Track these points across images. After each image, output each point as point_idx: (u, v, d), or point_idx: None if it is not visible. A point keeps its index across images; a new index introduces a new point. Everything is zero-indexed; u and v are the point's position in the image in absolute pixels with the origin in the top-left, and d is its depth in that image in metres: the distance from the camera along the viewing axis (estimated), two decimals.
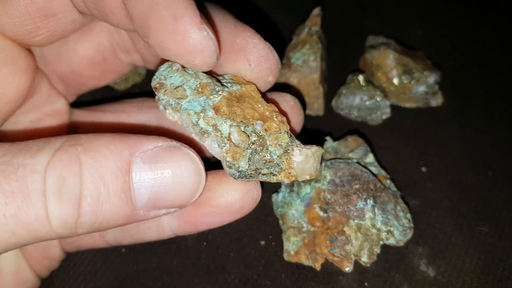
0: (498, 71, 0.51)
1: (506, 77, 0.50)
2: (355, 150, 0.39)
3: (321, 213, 0.38)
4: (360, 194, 0.37)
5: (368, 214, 0.37)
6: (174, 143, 0.26)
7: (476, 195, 0.43)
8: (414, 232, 0.40)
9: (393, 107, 0.46)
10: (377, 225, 0.37)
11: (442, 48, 0.53)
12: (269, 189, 0.42)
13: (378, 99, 0.43)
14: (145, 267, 0.38)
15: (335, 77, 0.50)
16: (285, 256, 0.39)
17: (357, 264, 0.39)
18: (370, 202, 0.37)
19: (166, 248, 0.39)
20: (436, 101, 0.46)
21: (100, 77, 0.38)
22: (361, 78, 0.43)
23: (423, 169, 0.44)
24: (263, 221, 0.41)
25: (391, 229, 0.38)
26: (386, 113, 0.44)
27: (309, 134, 0.44)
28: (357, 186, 0.37)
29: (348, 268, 0.37)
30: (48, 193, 0.23)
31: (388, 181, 0.40)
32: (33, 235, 0.23)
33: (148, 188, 0.25)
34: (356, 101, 0.43)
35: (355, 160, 0.39)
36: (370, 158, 0.40)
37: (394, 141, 0.45)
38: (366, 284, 0.38)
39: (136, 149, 0.25)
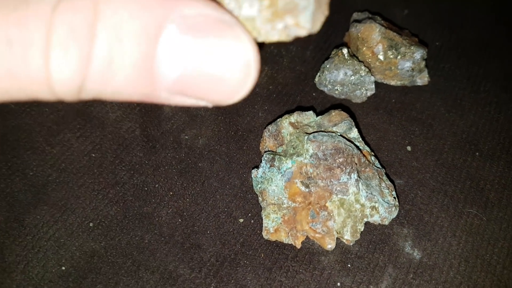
0: (484, 51, 0.47)
1: (493, 57, 0.46)
2: (339, 124, 0.35)
3: (303, 188, 0.33)
4: (343, 168, 0.32)
5: (352, 189, 0.32)
6: (227, 16, 0.17)
7: (463, 176, 0.38)
8: (399, 213, 0.36)
9: (378, 85, 0.42)
10: (361, 200, 0.33)
11: (428, 28, 0.48)
12: (249, 164, 0.38)
13: (363, 74, 0.38)
14: (114, 244, 0.33)
15: (319, 53, 0.45)
16: (264, 234, 0.34)
17: (339, 244, 0.34)
18: (354, 176, 0.32)
19: (137, 224, 0.34)
20: (422, 80, 0.41)
21: None
22: (345, 51, 0.38)
23: (408, 148, 0.39)
24: (242, 198, 0.36)
25: (376, 205, 0.33)
26: (370, 90, 0.40)
27: (291, 111, 0.39)
28: (340, 160, 0.33)
29: (330, 245, 0.32)
30: (52, 46, 0.16)
31: (373, 158, 0.36)
32: (27, 94, 0.16)
33: (180, 67, 0.16)
34: (340, 76, 0.39)
35: (339, 134, 0.34)
36: (354, 132, 0.35)
37: (379, 119, 0.41)
38: (349, 265, 0.33)
39: (173, 10, 0.17)
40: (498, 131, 0.41)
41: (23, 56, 0.16)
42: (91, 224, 0.34)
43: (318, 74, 0.41)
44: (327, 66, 0.39)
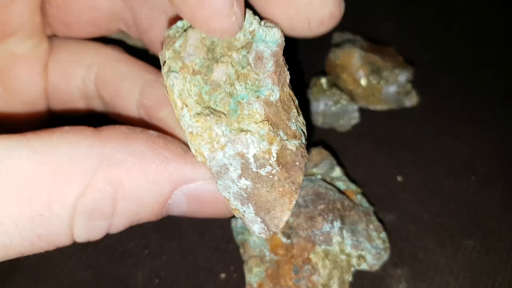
0: (478, 63, 0.43)
1: (485, 72, 0.43)
2: (319, 164, 0.32)
3: (284, 239, 0.31)
4: (325, 216, 0.30)
5: (336, 238, 0.30)
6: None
7: (459, 205, 0.35)
8: (391, 252, 0.33)
9: (363, 111, 0.39)
10: (346, 250, 0.30)
11: (415, 41, 0.45)
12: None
13: (344, 103, 0.35)
14: None
15: (301, 81, 0.42)
16: None
17: None
18: (337, 224, 0.30)
19: (113, 287, 0.32)
20: (410, 101, 0.38)
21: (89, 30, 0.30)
22: (323, 81, 0.35)
23: (399, 178, 0.36)
24: (223, 250, 0.34)
25: (363, 253, 0.30)
26: (354, 118, 0.37)
27: None
28: (322, 207, 0.30)
29: None
30: (76, 221, 0.21)
31: (359, 196, 0.33)
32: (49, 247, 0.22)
33: (183, 210, 0.23)
34: (320, 107, 0.36)
35: (319, 176, 0.32)
36: (337, 172, 0.32)
37: (365, 149, 0.38)
38: None
39: (178, 185, 0.22)
40: (495, 151, 0.37)
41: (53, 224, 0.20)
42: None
43: None
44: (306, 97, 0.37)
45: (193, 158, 0.21)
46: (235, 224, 0.33)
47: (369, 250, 0.30)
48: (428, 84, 0.41)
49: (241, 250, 0.32)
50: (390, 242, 0.33)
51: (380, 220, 0.33)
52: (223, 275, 0.33)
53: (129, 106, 0.28)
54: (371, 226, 0.31)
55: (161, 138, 0.22)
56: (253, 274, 0.31)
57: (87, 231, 0.21)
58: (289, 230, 0.30)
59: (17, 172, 0.18)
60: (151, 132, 0.22)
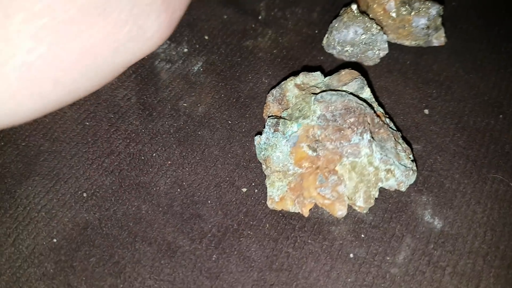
0: (504, 11, 0.42)
1: (511, 17, 0.42)
2: (349, 83, 0.31)
3: (310, 152, 0.29)
4: (355, 128, 0.29)
5: (364, 151, 0.28)
6: None
7: (486, 140, 0.34)
8: (417, 180, 0.32)
9: (391, 46, 0.37)
10: (374, 163, 0.29)
11: None
12: (251, 132, 0.34)
13: (375, 32, 0.34)
14: (109, 215, 0.30)
15: (327, 15, 0.41)
16: (269, 204, 0.30)
17: (352, 213, 0.30)
18: (367, 136, 0.29)
19: (133, 194, 0.31)
20: (439, 40, 0.37)
21: None
22: (354, 7, 0.34)
23: (426, 111, 0.35)
24: (244, 167, 0.32)
25: (392, 168, 0.29)
26: (383, 50, 0.35)
27: (297, 73, 0.35)
28: (351, 120, 0.29)
29: (340, 212, 0.28)
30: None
31: (388, 120, 0.32)
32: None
33: None
34: (350, 35, 0.35)
35: (349, 93, 0.31)
36: (367, 92, 0.31)
37: (393, 82, 0.36)
38: (362, 236, 0.30)
39: None
40: None
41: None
42: (84, 195, 0.31)
43: (326, 35, 0.37)
44: (336, 25, 0.35)
45: None
46: (259, 141, 0.31)
47: (398, 166, 0.29)
48: (455, 28, 0.40)
49: (263, 166, 0.31)
50: (416, 169, 0.32)
51: (409, 145, 0.32)
52: (244, 189, 0.31)
53: None
54: (399, 147, 0.30)
55: None
56: (275, 188, 0.30)
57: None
58: (315, 144, 0.29)
59: None
60: None
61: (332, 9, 0.42)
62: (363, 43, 0.35)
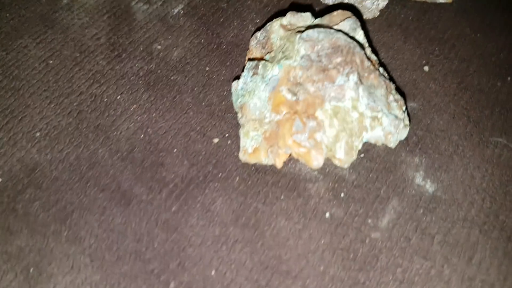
0: None
1: None
2: (339, 24, 0.27)
3: (289, 96, 0.26)
4: (341, 68, 0.25)
5: (349, 93, 0.25)
6: None
7: (491, 101, 0.30)
8: (410, 140, 0.28)
9: (393, 1, 0.34)
10: (359, 108, 0.25)
11: None
12: (231, 81, 0.31)
13: None
14: (61, 157, 0.27)
15: None
16: (241, 155, 0.27)
17: (333, 171, 0.27)
18: (353, 78, 0.25)
19: (90, 137, 0.28)
20: None
21: None
22: None
23: (426, 68, 0.31)
24: (219, 117, 0.29)
25: (379, 115, 0.25)
26: (383, 0, 0.32)
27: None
28: (338, 60, 0.25)
29: (316, 162, 0.25)
30: None
31: (381, 69, 0.28)
32: None
33: None
34: None
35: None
36: (360, 35, 0.27)
37: (392, 36, 0.33)
38: (342, 195, 0.26)
39: None
40: None
41: None
42: (37, 134, 0.28)
43: None
44: None
45: None
46: (236, 87, 0.28)
47: (387, 114, 0.25)
48: None
49: (239, 115, 0.28)
50: (410, 126, 0.28)
51: (403, 96, 0.28)
52: (216, 140, 0.28)
53: None
54: (391, 98, 0.27)
55: None
56: (249, 138, 0.27)
57: None
58: (296, 87, 0.26)
59: None
60: None
61: None
62: None
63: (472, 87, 0.31)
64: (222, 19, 0.34)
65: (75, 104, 0.29)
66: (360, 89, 0.25)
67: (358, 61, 0.25)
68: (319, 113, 0.25)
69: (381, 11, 0.33)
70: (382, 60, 0.31)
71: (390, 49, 0.32)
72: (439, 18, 0.34)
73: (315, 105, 0.25)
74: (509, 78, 0.31)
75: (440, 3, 0.34)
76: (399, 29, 0.33)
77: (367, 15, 0.33)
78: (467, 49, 0.33)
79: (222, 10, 0.34)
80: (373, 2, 0.32)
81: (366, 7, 0.32)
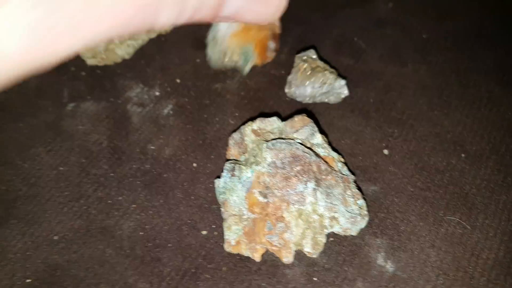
0: (475, 43, 0.42)
1: (485, 49, 0.41)
2: (300, 130, 0.32)
3: (261, 198, 0.30)
4: (300, 177, 0.30)
5: (309, 198, 0.29)
6: None
7: (445, 181, 0.34)
8: (372, 222, 0.32)
9: (357, 84, 0.38)
10: (318, 210, 0.30)
11: (414, 20, 0.44)
12: (215, 174, 0.35)
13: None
14: (76, 257, 0.32)
15: (294, 55, 0.42)
16: (226, 247, 0.31)
17: (306, 256, 0.31)
18: (311, 185, 0.29)
19: (99, 237, 0.33)
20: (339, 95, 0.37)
21: None
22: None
23: (385, 151, 0.35)
24: (206, 209, 0.34)
25: (336, 215, 0.30)
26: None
27: (262, 115, 0.36)
28: (297, 168, 0.30)
29: (286, 259, 0.29)
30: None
31: (340, 164, 0.32)
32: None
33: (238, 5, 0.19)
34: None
35: (298, 141, 0.31)
36: (318, 138, 0.32)
37: (354, 122, 0.37)
38: (315, 279, 0.30)
39: None
40: (487, 130, 0.36)
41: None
42: (55, 238, 0.33)
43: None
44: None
45: None
46: (218, 184, 0.33)
47: (343, 213, 0.30)
48: (424, 61, 0.40)
49: (222, 209, 0.32)
50: (371, 213, 0.32)
51: (360, 189, 0.32)
52: (204, 232, 0.33)
53: None
54: (348, 192, 0.31)
55: None
56: (232, 232, 0.31)
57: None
58: (266, 190, 0.30)
59: None
60: None
61: (299, 47, 0.42)
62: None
63: (429, 167, 0.34)
64: (206, 115, 0.38)
65: (84, 207, 0.34)
66: (318, 193, 0.29)
67: (315, 168, 0.30)
68: (286, 215, 0.30)
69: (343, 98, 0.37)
70: (345, 146, 0.36)
71: (352, 135, 0.36)
72: (398, 98, 0.38)
73: (282, 208, 0.30)
74: (463, 155, 0.35)
75: (401, 83, 0.38)
76: (360, 113, 0.37)
77: (332, 102, 0.37)
78: (424, 128, 0.36)
79: (206, 106, 0.39)
80: (335, 96, 0.36)
81: (330, 100, 0.36)
